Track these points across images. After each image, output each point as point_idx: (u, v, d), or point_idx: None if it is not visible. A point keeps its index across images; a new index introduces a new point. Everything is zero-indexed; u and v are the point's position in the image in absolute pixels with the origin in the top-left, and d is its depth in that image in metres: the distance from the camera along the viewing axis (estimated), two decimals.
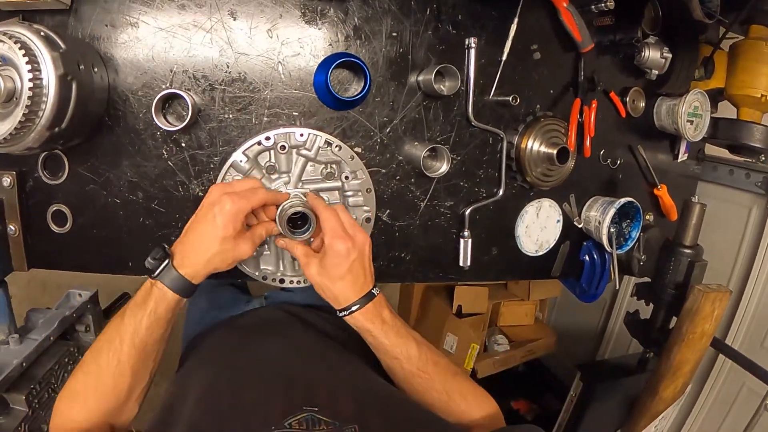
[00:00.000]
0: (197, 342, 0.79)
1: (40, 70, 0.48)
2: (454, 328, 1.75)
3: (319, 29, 0.72)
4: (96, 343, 0.58)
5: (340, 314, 0.64)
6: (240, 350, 0.64)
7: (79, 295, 0.77)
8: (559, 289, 1.85)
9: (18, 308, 0.71)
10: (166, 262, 0.57)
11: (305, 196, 0.68)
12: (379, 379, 0.63)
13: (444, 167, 0.79)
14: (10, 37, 0.47)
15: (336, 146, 0.71)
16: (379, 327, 0.63)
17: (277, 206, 0.64)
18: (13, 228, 0.66)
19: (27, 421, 0.63)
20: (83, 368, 0.57)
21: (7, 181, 0.64)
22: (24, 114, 0.48)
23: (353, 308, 0.62)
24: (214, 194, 0.59)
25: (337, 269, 0.61)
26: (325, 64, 0.70)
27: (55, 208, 0.68)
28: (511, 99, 0.84)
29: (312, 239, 0.67)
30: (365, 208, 0.77)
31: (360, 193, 0.75)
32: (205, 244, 0.57)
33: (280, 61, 0.71)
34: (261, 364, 0.61)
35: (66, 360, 0.72)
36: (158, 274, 0.57)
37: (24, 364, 0.62)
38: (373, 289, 0.64)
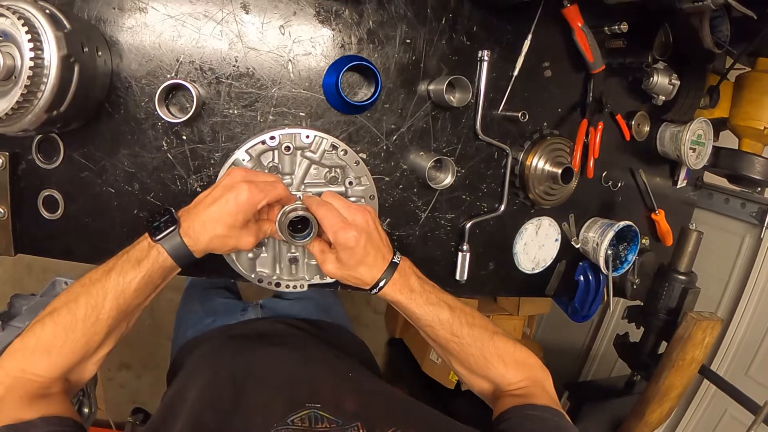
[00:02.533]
0: (193, 347, 0.77)
1: (42, 50, 0.46)
2: None
3: (333, 30, 0.70)
4: (69, 294, 0.53)
5: (371, 292, 0.63)
6: (241, 354, 0.63)
7: (65, 283, 0.74)
8: (548, 305, 1.85)
9: (1, 288, 0.68)
10: (173, 227, 0.54)
11: (291, 186, 0.66)
12: (383, 382, 0.62)
13: (449, 179, 0.79)
14: (14, 12, 0.44)
15: (342, 150, 0.70)
16: (408, 296, 0.62)
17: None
18: (2, 211, 0.63)
19: None
20: (54, 318, 0.51)
21: None
22: (22, 94, 0.45)
23: (380, 284, 0.62)
24: (234, 177, 0.56)
25: (352, 258, 0.60)
26: (337, 66, 0.69)
27: (46, 194, 0.66)
28: (520, 115, 0.84)
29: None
30: None
31: (363, 200, 0.74)
32: (211, 223, 0.55)
33: (290, 59, 0.69)
34: (263, 365, 0.60)
35: None
36: (162, 237, 0.54)
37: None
38: (394, 257, 0.64)
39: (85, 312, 0.51)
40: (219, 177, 0.68)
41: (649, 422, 0.91)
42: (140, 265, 0.53)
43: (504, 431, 0.55)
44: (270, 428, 0.44)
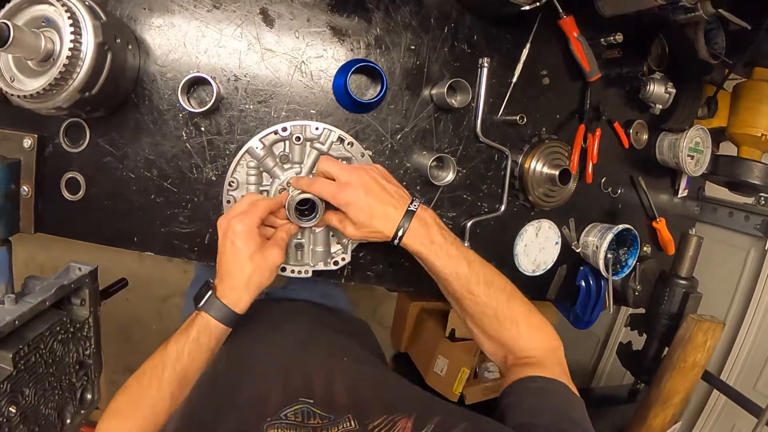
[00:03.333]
0: None
1: (81, 35, 0.51)
2: (446, 351, 1.73)
3: (343, 35, 0.76)
4: (140, 369, 0.60)
5: (394, 243, 0.64)
6: (238, 340, 0.65)
7: (79, 269, 0.78)
8: (554, 318, 1.84)
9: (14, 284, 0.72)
10: (210, 293, 0.61)
11: (300, 174, 0.70)
12: (379, 365, 0.63)
13: (450, 176, 0.82)
14: (59, 1, 0.50)
15: (348, 143, 0.74)
16: (428, 248, 0.63)
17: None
18: (26, 189, 0.67)
19: (10, 380, 0.62)
20: (125, 389, 0.59)
21: (27, 142, 0.66)
22: (60, 72, 0.50)
23: (399, 233, 0.62)
24: (222, 225, 0.62)
25: (361, 215, 0.62)
26: (346, 68, 0.74)
27: (70, 176, 0.70)
28: (518, 119, 0.88)
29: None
30: None
31: None
32: (238, 269, 0.61)
33: (303, 61, 0.75)
34: (260, 354, 0.62)
35: (57, 329, 0.72)
36: (203, 305, 0.61)
37: (17, 323, 0.62)
38: (410, 205, 0.64)
39: (148, 380, 0.58)
40: (230, 168, 0.72)
41: (652, 427, 0.90)
42: (188, 332, 0.60)
43: (507, 406, 0.55)
44: (263, 423, 0.45)
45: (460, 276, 0.62)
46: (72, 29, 0.51)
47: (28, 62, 0.54)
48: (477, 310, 0.63)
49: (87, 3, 0.54)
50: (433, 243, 0.63)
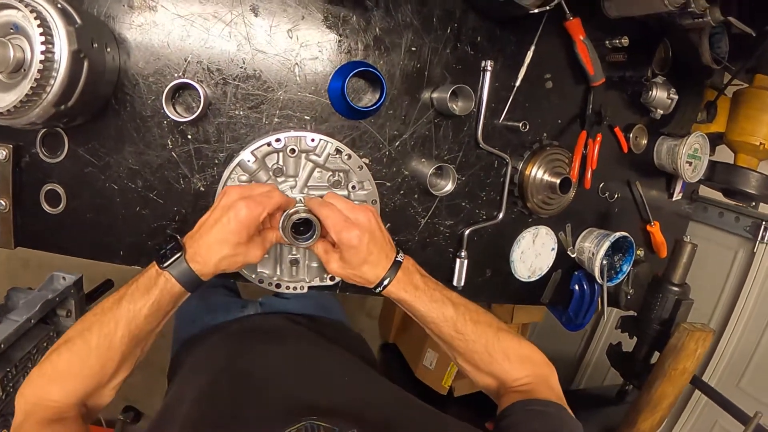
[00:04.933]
0: (192, 346, 0.77)
1: (53, 44, 0.46)
2: (435, 344, 1.73)
3: (340, 35, 0.71)
4: (83, 323, 0.55)
5: (376, 291, 0.64)
6: (239, 357, 0.63)
7: (63, 278, 0.74)
8: (541, 314, 1.86)
9: None
10: (179, 254, 0.56)
11: (294, 188, 0.67)
12: (380, 379, 0.62)
13: (449, 186, 0.79)
14: (26, 5, 0.45)
15: (346, 155, 0.70)
16: (412, 294, 0.63)
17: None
18: (3, 203, 0.63)
19: (0, 404, 0.59)
20: (69, 347, 0.54)
21: (2, 153, 0.61)
22: (32, 87, 0.46)
23: (385, 282, 0.62)
24: (231, 196, 0.57)
25: (356, 257, 0.61)
26: (343, 71, 0.70)
27: (49, 188, 0.66)
28: (521, 125, 0.85)
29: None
30: None
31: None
32: (217, 245, 0.56)
33: (297, 63, 0.70)
34: (260, 374, 0.60)
35: (45, 345, 0.69)
36: (168, 265, 0.55)
37: (2, 346, 0.59)
38: (397, 256, 0.64)
39: (98, 340, 0.53)
40: (221, 184, 0.69)
41: (640, 430, 0.92)
42: (149, 293, 0.55)
43: (506, 427, 0.55)
44: None
45: (447, 318, 0.63)
46: (43, 38, 0.45)
47: None
48: (467, 348, 0.64)
49: (59, 5, 0.48)
50: (417, 289, 0.63)
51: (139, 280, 0.56)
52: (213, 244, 0.56)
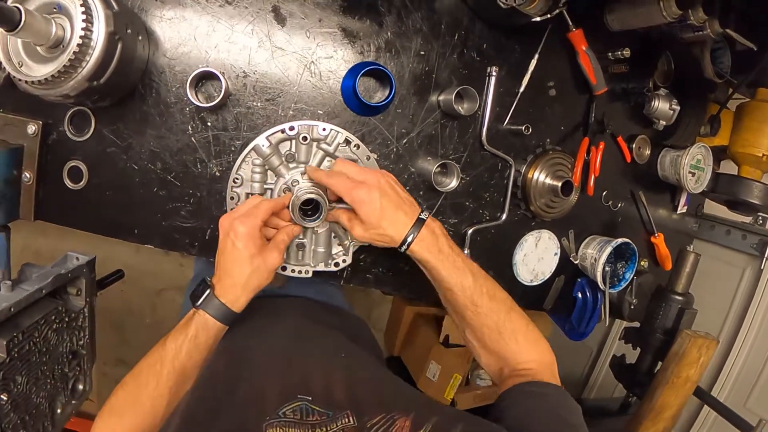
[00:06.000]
0: None
1: (92, 23, 0.51)
2: (439, 356, 1.73)
3: (354, 38, 0.76)
4: (137, 366, 0.60)
5: (401, 249, 0.64)
6: (236, 336, 0.64)
7: (77, 258, 0.77)
8: (547, 329, 1.84)
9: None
10: (208, 291, 0.61)
11: (305, 173, 0.71)
12: (377, 363, 0.62)
13: (453, 183, 0.82)
14: None
15: (355, 145, 0.74)
16: (436, 257, 0.63)
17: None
18: (28, 176, 0.67)
19: (3, 367, 0.61)
20: (123, 387, 0.59)
21: (32, 129, 0.65)
22: (70, 59, 0.50)
23: (408, 239, 0.63)
24: (224, 225, 0.62)
25: (372, 215, 0.62)
26: (355, 70, 0.74)
27: (72, 164, 0.70)
28: (524, 129, 0.88)
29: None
30: None
31: None
32: (237, 270, 0.61)
33: (313, 61, 0.75)
34: (257, 350, 0.61)
35: (53, 318, 0.71)
36: (201, 303, 0.61)
37: (12, 309, 0.61)
38: (421, 214, 0.65)
39: (146, 378, 0.59)
40: (235, 166, 0.72)
41: None
42: (187, 330, 0.60)
43: (504, 408, 0.55)
44: (263, 421, 0.45)
45: (465, 287, 0.63)
46: (84, 17, 0.50)
47: (38, 48, 0.53)
48: (479, 322, 0.64)
49: None
50: (441, 252, 0.63)
51: (180, 322, 0.62)
52: (232, 270, 0.61)
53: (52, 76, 0.50)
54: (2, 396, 0.64)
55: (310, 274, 0.74)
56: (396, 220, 0.63)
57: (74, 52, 0.50)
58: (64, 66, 0.50)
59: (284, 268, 0.73)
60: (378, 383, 0.56)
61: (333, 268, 0.75)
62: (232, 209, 0.70)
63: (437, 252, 0.63)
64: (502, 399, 0.58)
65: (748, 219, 1.27)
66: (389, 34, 0.78)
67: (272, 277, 0.64)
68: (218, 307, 0.61)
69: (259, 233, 0.62)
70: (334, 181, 0.64)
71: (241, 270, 0.60)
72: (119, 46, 0.56)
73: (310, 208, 0.67)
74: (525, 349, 0.64)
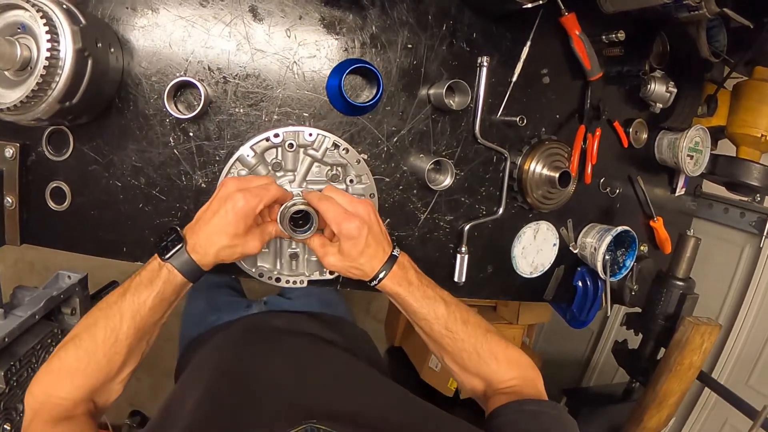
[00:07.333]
0: (196, 346, 0.78)
1: (58, 42, 0.48)
2: None
3: (337, 34, 0.73)
4: (89, 318, 0.56)
5: (371, 284, 0.64)
6: (240, 358, 0.63)
7: (69, 277, 0.76)
8: (548, 314, 1.85)
9: (3, 287, 0.70)
10: (180, 245, 0.57)
11: (293, 182, 0.68)
12: (382, 379, 0.62)
13: (447, 180, 0.80)
14: (33, 5, 0.47)
15: (343, 149, 0.71)
16: (406, 289, 0.64)
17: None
18: (10, 200, 0.65)
19: (3, 398, 0.61)
20: (76, 342, 0.54)
21: (9, 152, 0.63)
22: (37, 83, 0.47)
23: (380, 275, 0.63)
24: (228, 188, 0.58)
25: (355, 249, 0.61)
26: (340, 69, 0.71)
27: (54, 185, 0.68)
28: (518, 120, 0.86)
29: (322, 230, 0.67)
30: None
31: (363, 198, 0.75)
32: (215, 236, 0.57)
33: (295, 62, 0.72)
34: (261, 376, 0.60)
35: (49, 341, 0.70)
36: (170, 256, 0.56)
37: (6, 339, 0.60)
38: (393, 251, 0.65)
39: (104, 334, 0.54)
40: (221, 178, 0.70)
41: (647, 428, 0.91)
42: (152, 285, 0.56)
43: (497, 427, 0.55)
44: None
45: (438, 316, 0.64)
46: (48, 36, 0.47)
47: (5, 72, 0.50)
48: (456, 347, 0.64)
49: (65, 6, 0.50)
50: (411, 284, 0.64)
51: (141, 273, 0.57)
52: (212, 235, 0.57)
53: (21, 102, 0.48)
54: (6, 426, 0.63)
55: (305, 284, 0.73)
56: (374, 257, 0.62)
57: (41, 75, 0.47)
58: (33, 90, 0.48)
59: (279, 280, 0.71)
60: (384, 400, 0.56)
61: (328, 276, 0.74)
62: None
63: (407, 284, 0.64)
64: (496, 415, 0.57)
65: (746, 197, 1.25)
66: (374, 28, 0.75)
67: (239, 260, 0.61)
68: (188, 263, 0.57)
69: (254, 215, 0.59)
70: (326, 206, 0.61)
71: (219, 239, 0.57)
72: (89, 62, 0.53)
73: (300, 218, 0.65)
74: (506, 367, 0.64)
